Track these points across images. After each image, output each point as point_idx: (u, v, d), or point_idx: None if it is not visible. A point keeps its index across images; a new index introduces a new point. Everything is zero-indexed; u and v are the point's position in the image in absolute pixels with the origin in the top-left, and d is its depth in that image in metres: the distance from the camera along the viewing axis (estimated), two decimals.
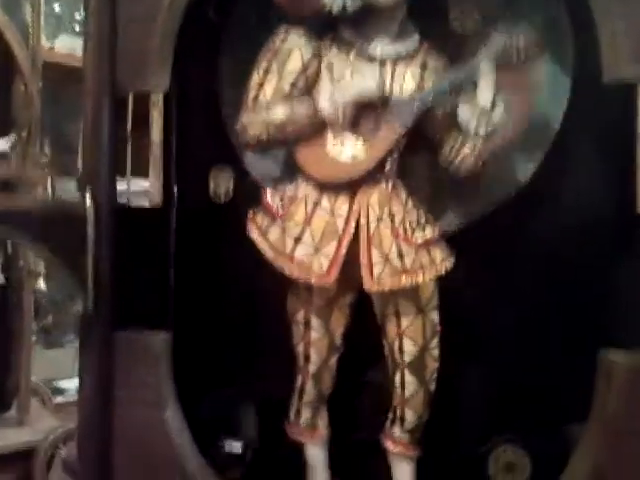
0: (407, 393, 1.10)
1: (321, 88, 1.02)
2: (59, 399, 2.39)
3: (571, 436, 1.10)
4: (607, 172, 1.09)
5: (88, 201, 0.95)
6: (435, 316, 1.09)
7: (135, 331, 1.02)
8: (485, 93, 0.98)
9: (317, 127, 1.03)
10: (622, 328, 1.01)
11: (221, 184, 1.16)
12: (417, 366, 1.09)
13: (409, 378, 1.09)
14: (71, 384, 2.54)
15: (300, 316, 1.12)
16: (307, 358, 1.13)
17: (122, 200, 1.14)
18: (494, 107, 0.98)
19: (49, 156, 1.20)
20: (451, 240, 1.10)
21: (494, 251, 1.16)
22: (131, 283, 1.05)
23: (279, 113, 1.02)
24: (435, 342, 1.09)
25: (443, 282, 1.08)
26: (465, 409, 1.23)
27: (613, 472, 0.89)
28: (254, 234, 1.06)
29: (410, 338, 1.08)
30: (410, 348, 1.08)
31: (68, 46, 2.50)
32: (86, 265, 0.94)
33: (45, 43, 2.20)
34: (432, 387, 1.10)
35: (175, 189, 1.23)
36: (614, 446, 0.89)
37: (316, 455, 1.16)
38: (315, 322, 1.11)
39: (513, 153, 1.10)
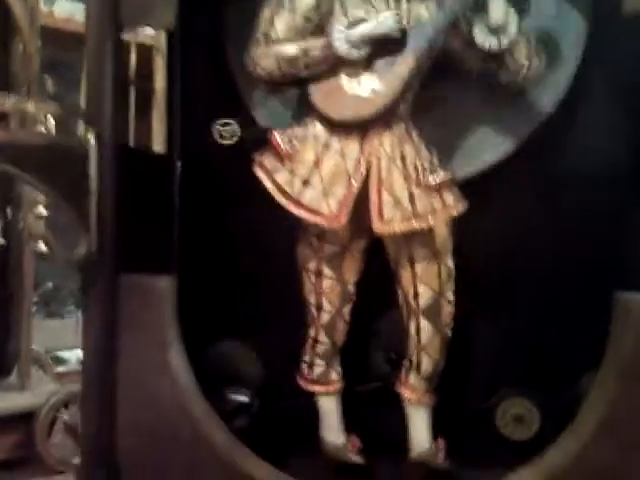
0: (423, 340, 1.08)
1: (334, 24, 0.99)
2: (60, 369, 2.39)
3: (581, 389, 1.09)
4: (626, 111, 1.07)
5: (91, 138, 0.92)
6: (450, 260, 1.07)
7: (139, 274, 1.00)
8: (496, 9, 0.96)
9: (331, 63, 1.00)
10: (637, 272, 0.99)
11: (228, 127, 1.12)
12: (433, 312, 1.07)
13: (425, 324, 1.07)
14: (71, 354, 2.54)
15: (311, 265, 1.10)
16: (319, 308, 1.11)
17: None
18: (507, 22, 0.96)
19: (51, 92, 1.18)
20: (465, 185, 1.07)
21: (509, 195, 1.14)
22: (135, 227, 1.03)
23: (292, 47, 1.00)
24: (450, 286, 1.07)
25: (456, 228, 1.06)
26: (474, 361, 1.22)
27: (628, 414, 0.88)
28: (261, 176, 1.04)
29: (425, 284, 1.06)
30: (425, 294, 1.06)
31: (67, 11, 2.49)
32: (89, 203, 0.92)
33: (43, 7, 2.18)
34: (448, 333, 1.08)
35: (179, 136, 1.21)
36: (629, 388, 0.87)
37: (329, 406, 1.14)
38: (327, 271, 1.09)
39: (529, 92, 1.08)
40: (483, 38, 0.97)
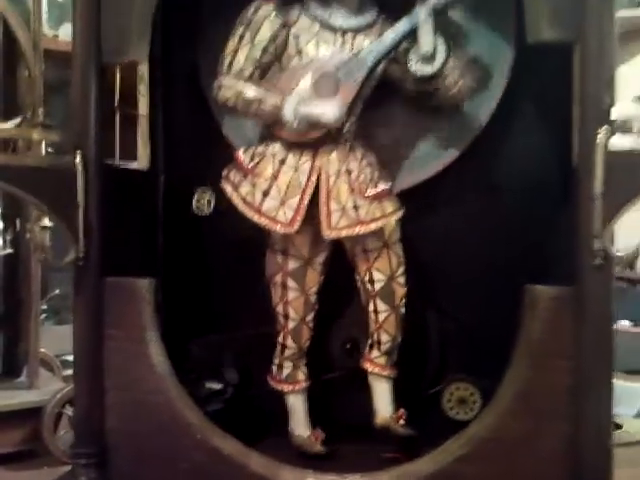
0: (380, 318, 1.22)
1: (291, 96, 1.13)
2: (69, 372, 2.52)
3: None
4: (551, 130, 1.22)
5: (78, 159, 1.08)
6: (399, 249, 1.22)
7: (123, 277, 1.14)
8: (425, 38, 1.10)
9: (275, 121, 1.15)
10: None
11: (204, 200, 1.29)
12: (386, 293, 1.22)
13: (380, 305, 1.22)
14: None
15: (278, 279, 1.24)
16: (286, 316, 1.25)
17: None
18: (437, 52, 1.10)
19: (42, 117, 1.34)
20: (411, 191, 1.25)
21: (448, 197, 1.31)
22: (121, 235, 1.18)
23: (251, 92, 1.14)
24: (401, 271, 1.22)
25: (404, 230, 1.22)
26: (425, 351, 1.36)
27: (538, 389, 1.01)
28: (228, 189, 1.19)
29: (378, 270, 1.21)
30: (379, 277, 1.22)
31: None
32: (77, 216, 1.07)
33: (49, 31, 2.32)
34: (402, 311, 1.23)
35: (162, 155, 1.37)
36: (538, 367, 1.01)
37: (297, 403, 1.27)
38: (292, 283, 1.23)
39: (460, 113, 1.23)
40: (415, 66, 1.13)
